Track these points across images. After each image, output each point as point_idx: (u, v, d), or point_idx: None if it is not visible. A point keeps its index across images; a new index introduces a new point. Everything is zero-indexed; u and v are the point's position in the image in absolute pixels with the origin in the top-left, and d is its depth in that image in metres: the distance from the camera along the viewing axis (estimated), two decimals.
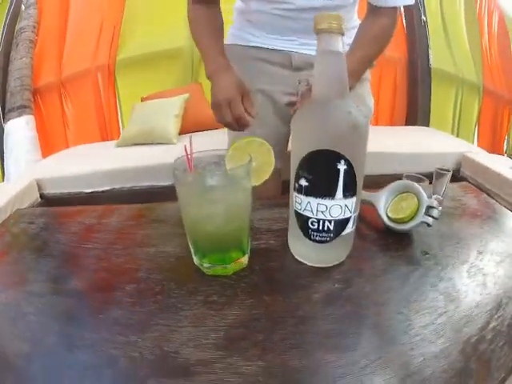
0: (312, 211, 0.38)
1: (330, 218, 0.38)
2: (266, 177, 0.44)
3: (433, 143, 1.69)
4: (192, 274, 0.41)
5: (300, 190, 0.38)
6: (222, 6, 0.73)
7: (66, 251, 0.49)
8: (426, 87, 2.16)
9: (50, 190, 1.55)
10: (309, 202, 0.38)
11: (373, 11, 0.68)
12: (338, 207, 0.37)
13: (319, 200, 0.37)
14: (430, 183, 0.55)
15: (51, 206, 1.19)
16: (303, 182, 0.37)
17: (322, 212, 0.38)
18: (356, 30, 0.71)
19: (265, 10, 0.71)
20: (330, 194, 0.37)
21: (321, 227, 0.38)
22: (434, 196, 0.52)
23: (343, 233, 0.39)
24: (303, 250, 0.42)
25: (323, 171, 0.36)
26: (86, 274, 0.43)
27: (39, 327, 0.35)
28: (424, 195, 0.45)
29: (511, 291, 0.37)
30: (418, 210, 0.44)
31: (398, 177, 0.52)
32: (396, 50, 2.17)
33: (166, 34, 2.08)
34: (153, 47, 2.10)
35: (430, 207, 0.44)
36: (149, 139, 1.82)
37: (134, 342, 0.32)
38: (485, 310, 0.34)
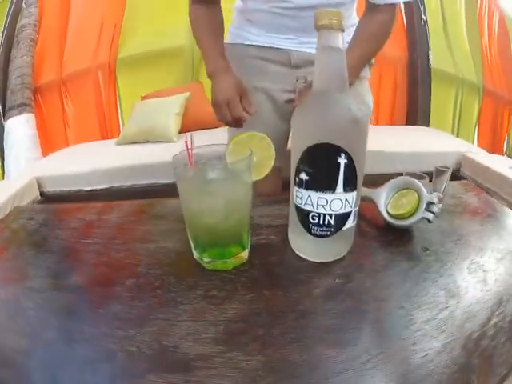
0: (313, 205, 0.38)
1: (330, 211, 0.38)
2: (267, 171, 0.44)
3: (433, 143, 1.68)
4: (192, 268, 0.41)
5: (301, 184, 0.38)
6: (223, 5, 0.73)
7: (66, 246, 0.49)
8: (426, 87, 2.15)
9: (49, 188, 1.55)
10: (309, 196, 0.38)
11: (371, 8, 0.68)
12: (338, 201, 0.37)
13: (320, 194, 0.37)
14: (430, 181, 0.55)
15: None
16: (304, 176, 0.37)
17: (323, 206, 0.37)
18: (355, 27, 0.71)
19: (264, 9, 0.71)
20: (330, 187, 0.37)
21: (321, 221, 0.38)
22: (435, 193, 0.52)
23: (344, 227, 0.39)
24: (304, 245, 0.42)
25: (324, 165, 0.36)
26: (86, 269, 0.43)
27: (39, 322, 0.35)
28: (424, 191, 0.45)
29: None
30: (418, 205, 0.44)
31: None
32: (396, 49, 2.17)
33: (167, 33, 2.08)
34: (153, 46, 2.09)
35: (430, 203, 0.44)
36: (149, 137, 1.82)
37: (133, 336, 0.32)
38: (486, 306, 0.34)
